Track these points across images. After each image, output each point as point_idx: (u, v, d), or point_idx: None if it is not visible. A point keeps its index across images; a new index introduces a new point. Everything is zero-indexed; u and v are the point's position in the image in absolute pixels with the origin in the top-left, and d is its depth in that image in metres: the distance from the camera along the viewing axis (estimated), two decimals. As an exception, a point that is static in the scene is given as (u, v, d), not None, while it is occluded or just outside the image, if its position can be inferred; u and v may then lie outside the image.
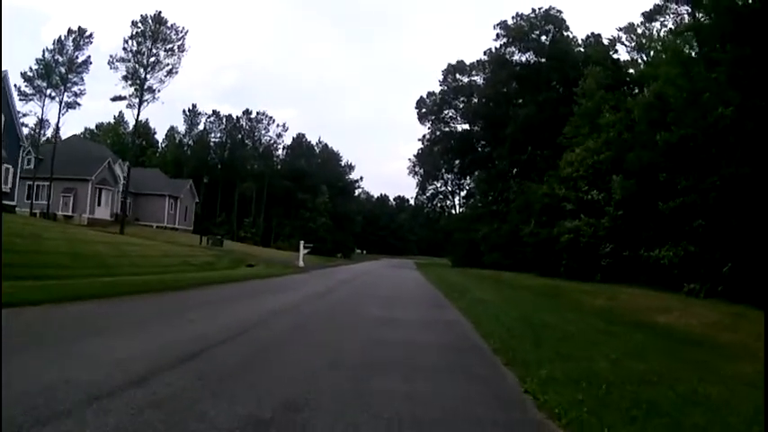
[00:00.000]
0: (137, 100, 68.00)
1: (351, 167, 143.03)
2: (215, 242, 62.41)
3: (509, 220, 66.88)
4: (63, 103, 67.77)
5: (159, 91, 68.67)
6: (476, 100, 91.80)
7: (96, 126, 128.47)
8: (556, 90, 73.18)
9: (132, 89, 67.72)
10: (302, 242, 49.02)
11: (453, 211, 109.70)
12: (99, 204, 68.87)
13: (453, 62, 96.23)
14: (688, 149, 34.32)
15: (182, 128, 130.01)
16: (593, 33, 76.33)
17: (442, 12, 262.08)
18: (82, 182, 66.40)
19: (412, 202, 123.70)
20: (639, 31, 58.09)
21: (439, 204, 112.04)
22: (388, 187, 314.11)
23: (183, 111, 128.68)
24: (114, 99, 69.21)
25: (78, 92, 69.41)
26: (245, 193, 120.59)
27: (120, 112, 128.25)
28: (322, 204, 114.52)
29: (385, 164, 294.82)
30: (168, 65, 69.48)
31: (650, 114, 39.49)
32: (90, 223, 61.97)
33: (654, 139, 37.14)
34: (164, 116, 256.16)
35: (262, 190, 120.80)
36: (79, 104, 69.66)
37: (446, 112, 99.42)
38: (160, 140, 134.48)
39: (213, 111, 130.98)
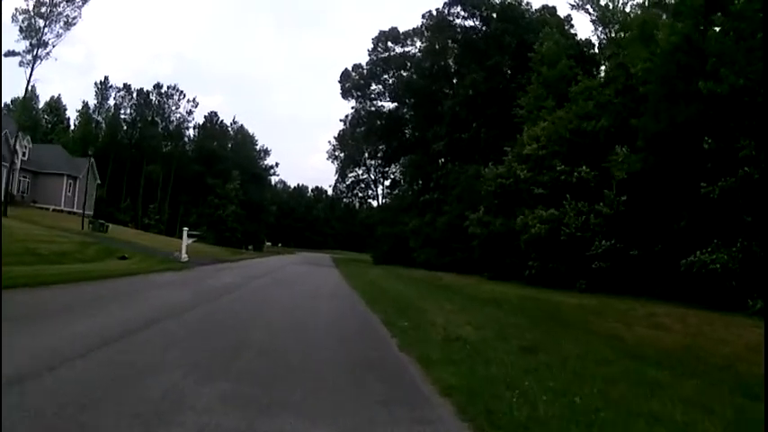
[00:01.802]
0: (30, 57, 56.73)
1: (266, 152, 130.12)
2: (96, 227, 51.20)
3: (447, 211, 55.63)
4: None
5: (54, 46, 57.91)
6: (409, 74, 79.32)
7: (11, 101, 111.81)
8: (509, 54, 61.15)
9: (27, 43, 56.63)
10: (185, 229, 36.68)
11: (375, 203, 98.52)
12: (-7, 183, 57.05)
13: (386, 29, 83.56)
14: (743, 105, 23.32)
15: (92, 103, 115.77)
16: (545, 6, 65.56)
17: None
18: (-32, 155, 55.02)
19: (330, 191, 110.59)
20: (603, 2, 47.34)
21: (360, 194, 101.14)
22: (308, 181, 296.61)
23: (95, 83, 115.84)
24: (7, 54, 56.20)
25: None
26: (152, 176, 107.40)
27: (33, 85, 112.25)
28: (233, 191, 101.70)
29: (305, 156, 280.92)
30: (67, 16, 58.08)
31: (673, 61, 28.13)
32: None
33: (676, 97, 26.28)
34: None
35: (169, 173, 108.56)
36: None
37: (373, 87, 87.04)
38: (72, 118, 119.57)
39: (124, 84, 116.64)
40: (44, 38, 56.41)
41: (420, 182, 70.33)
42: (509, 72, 60.25)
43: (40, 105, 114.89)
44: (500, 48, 62.11)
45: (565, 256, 34.64)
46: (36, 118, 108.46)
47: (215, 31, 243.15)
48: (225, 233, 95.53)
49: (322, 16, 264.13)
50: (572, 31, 57.20)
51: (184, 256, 33.70)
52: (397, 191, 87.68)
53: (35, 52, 56.01)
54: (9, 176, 61.66)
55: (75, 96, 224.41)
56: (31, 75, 55.80)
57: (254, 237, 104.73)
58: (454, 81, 71.88)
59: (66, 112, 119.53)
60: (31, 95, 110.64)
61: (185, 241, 34.90)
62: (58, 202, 69.91)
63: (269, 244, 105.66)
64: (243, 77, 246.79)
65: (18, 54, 55.72)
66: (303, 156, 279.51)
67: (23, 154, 66.68)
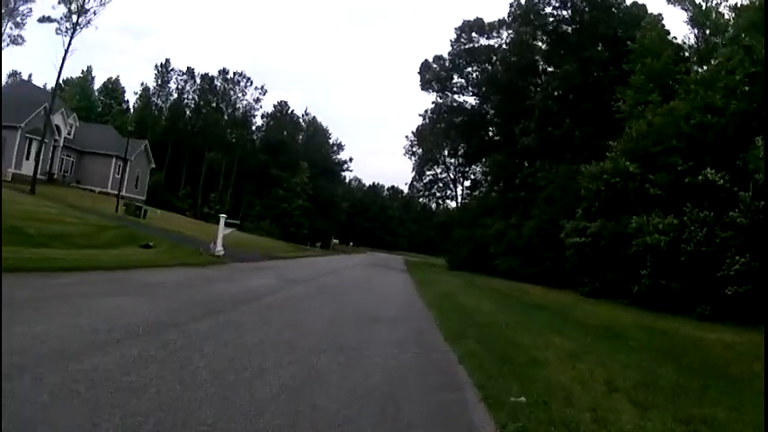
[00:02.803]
0: (68, 24, 51.44)
1: (340, 147, 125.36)
2: (132, 211, 46.68)
3: (535, 215, 49.39)
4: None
5: (96, 14, 52.56)
6: (494, 67, 73.19)
7: (64, 81, 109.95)
8: (605, 46, 55.17)
9: (66, 9, 51.45)
10: (222, 217, 30.58)
11: (454, 204, 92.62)
12: (27, 159, 54.77)
13: (470, 18, 77.47)
14: None
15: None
16: (635, 3, 58.44)
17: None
18: (10, 129, 52.08)
19: (406, 190, 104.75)
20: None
21: (437, 194, 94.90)
22: (385, 180, 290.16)
23: (155, 66, 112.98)
24: (42, 20, 53.13)
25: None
26: (213, 164, 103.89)
27: (89, 66, 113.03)
28: (301, 184, 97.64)
29: (381, 155, 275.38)
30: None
31: None
32: (14, 179, 50.63)
33: None
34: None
35: (232, 162, 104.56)
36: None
37: (455, 80, 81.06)
38: (132, 101, 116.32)
39: (187, 68, 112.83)
40: (85, 4, 51.51)
41: (503, 183, 64.24)
42: (605, 65, 53.77)
43: (96, 87, 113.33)
44: (594, 39, 56.02)
45: (684, 273, 28.48)
46: (90, 98, 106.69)
47: (286, 27, 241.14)
48: (290, 228, 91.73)
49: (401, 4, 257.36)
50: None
51: (219, 249, 28.32)
52: (478, 191, 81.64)
53: (75, 19, 51.07)
54: (47, 153, 58.72)
55: (136, 80, 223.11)
56: (69, 44, 50.96)
57: (322, 233, 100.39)
58: (543, 76, 65.84)
59: (125, 96, 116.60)
60: (85, 76, 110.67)
61: (221, 231, 29.36)
62: (104, 183, 66.76)
63: (336, 241, 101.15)
64: (316, 74, 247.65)
65: (54, 21, 51.50)
66: (379, 154, 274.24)
67: (68, 132, 63.79)
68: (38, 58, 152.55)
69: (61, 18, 51.14)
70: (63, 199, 43.74)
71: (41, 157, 55.97)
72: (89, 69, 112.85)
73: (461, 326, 15.12)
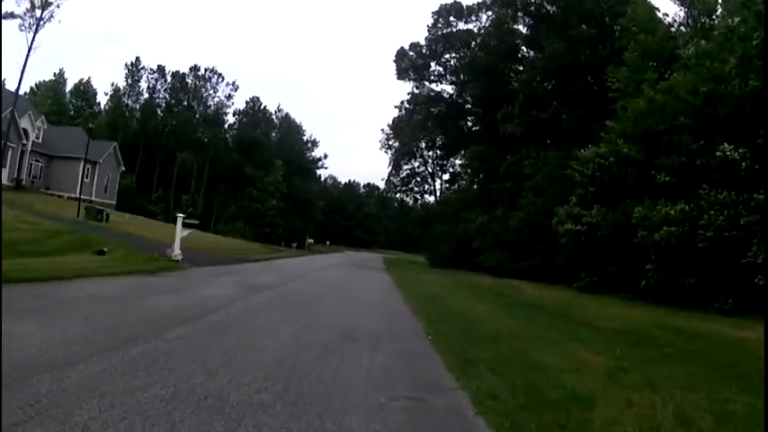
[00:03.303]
0: (32, 20, 49.47)
1: (314, 143, 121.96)
2: (93, 215, 42.94)
3: (522, 206, 45.84)
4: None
5: (59, 6, 51.22)
6: (473, 52, 69.21)
7: (36, 85, 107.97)
8: (592, 24, 51.85)
9: (29, 3, 49.46)
10: (180, 217, 26.56)
11: (433, 198, 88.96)
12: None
13: (448, 2, 73.45)
14: None
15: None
16: None
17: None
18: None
19: (383, 185, 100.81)
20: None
21: (415, 188, 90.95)
22: (360, 178, 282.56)
23: (125, 64, 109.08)
24: (5, 17, 49.58)
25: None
26: (186, 165, 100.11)
27: (61, 69, 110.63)
28: (274, 183, 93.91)
29: (356, 151, 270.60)
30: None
31: None
32: (-24, 188, 46.77)
33: None
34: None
35: (205, 163, 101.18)
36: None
37: (433, 68, 77.13)
38: (103, 103, 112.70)
39: (158, 66, 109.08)
40: (46, -3, 48.41)
41: (485, 174, 60.52)
42: (593, 44, 50.41)
43: (68, 89, 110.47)
44: (581, 17, 52.45)
45: (700, 264, 25.19)
46: (61, 102, 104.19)
47: (253, 22, 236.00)
48: (264, 229, 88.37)
49: None
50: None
51: (177, 253, 24.48)
52: (458, 184, 78.05)
53: (37, 13, 48.57)
54: (14, 159, 56.09)
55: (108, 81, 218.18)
56: (33, 40, 47.81)
57: (298, 233, 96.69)
58: (525, 60, 62.51)
59: (97, 98, 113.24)
60: (57, 79, 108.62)
61: (179, 233, 25.43)
62: (73, 188, 61.40)
63: (311, 241, 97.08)
64: (287, 72, 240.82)
65: (18, 17, 48.52)
66: (354, 151, 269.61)
67: (36, 135, 60.21)
68: (5, 61, 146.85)
69: (24, 13, 48.68)
70: (28, 206, 40.15)
71: (8, 162, 53.37)
72: (61, 72, 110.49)
73: (461, 342, 11.42)
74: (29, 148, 58.42)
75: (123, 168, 76.71)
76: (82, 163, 61.05)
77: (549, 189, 42.42)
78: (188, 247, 32.74)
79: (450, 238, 60.68)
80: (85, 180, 63.11)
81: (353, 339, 10.98)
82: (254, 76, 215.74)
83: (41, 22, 48.21)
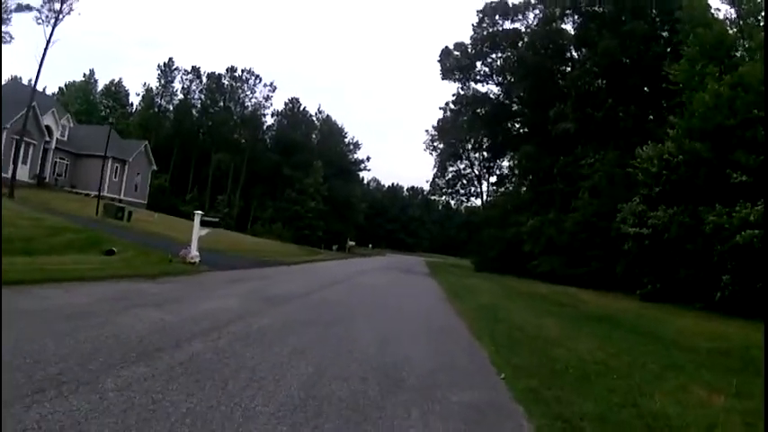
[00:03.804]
0: (49, 12, 46.84)
1: (356, 146, 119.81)
2: (113, 214, 40.89)
3: (578, 208, 43.29)
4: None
5: None
6: (521, 50, 66.49)
7: (66, 85, 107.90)
8: (645, 19, 49.17)
9: None
10: (197, 214, 24.18)
11: (479, 201, 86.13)
12: (14, 162, 49.15)
13: (493, 0, 70.67)
14: None
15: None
16: None
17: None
18: (-7, 131, 47.58)
19: (427, 188, 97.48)
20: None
21: (461, 191, 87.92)
22: (404, 181, 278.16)
23: (158, 65, 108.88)
24: (19, 9, 48.18)
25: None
26: (221, 165, 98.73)
27: (91, 70, 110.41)
28: (313, 185, 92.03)
29: (401, 155, 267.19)
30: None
31: None
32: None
33: None
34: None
35: (242, 164, 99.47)
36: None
37: (478, 68, 74.35)
38: (135, 104, 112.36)
39: (192, 67, 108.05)
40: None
41: (535, 176, 57.89)
42: (647, 39, 47.88)
43: (98, 90, 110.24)
44: (633, 12, 49.81)
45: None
46: (91, 102, 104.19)
47: (291, 24, 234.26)
48: (303, 231, 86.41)
49: None
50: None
51: (193, 255, 22.45)
52: (506, 187, 75.28)
53: (55, 6, 46.41)
54: (44, 156, 56.13)
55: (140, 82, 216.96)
56: (51, 34, 45.96)
57: (339, 236, 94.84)
58: (573, 59, 59.98)
59: (129, 98, 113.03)
60: (88, 80, 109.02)
61: (196, 232, 23.24)
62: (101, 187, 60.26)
63: (352, 244, 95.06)
64: (328, 74, 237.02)
65: (33, 9, 46.75)
66: (398, 154, 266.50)
67: (61, 133, 59.60)
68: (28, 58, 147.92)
69: (42, 5, 46.57)
70: (44, 203, 39.01)
71: (29, 159, 52.67)
72: (91, 72, 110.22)
73: (546, 382, 8.80)
74: (52, 146, 57.70)
75: (155, 168, 75.61)
76: (110, 161, 60.91)
77: (606, 190, 39.94)
78: (214, 249, 31.24)
79: (498, 241, 58.07)
80: (114, 179, 63.37)
81: (397, 385, 7.65)
82: (293, 78, 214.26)
83: (60, 15, 46.15)
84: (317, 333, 11.07)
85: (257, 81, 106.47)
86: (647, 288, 31.90)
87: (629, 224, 32.83)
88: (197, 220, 23.69)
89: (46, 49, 45.45)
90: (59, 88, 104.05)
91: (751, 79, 27.73)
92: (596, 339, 14.56)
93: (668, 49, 43.68)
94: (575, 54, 60.59)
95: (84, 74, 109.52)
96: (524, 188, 62.97)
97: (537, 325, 16.38)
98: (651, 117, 45.47)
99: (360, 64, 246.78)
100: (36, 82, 49.94)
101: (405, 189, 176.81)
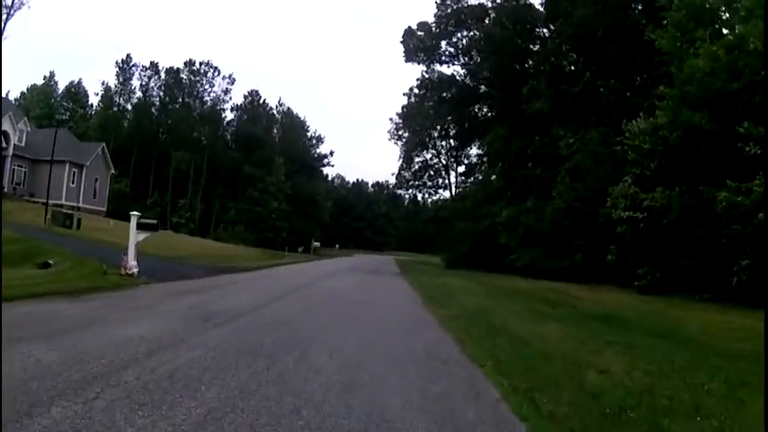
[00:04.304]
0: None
1: (319, 140, 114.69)
2: (60, 221, 38.71)
3: (559, 194, 39.17)
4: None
5: None
6: (485, 28, 62.17)
7: (27, 89, 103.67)
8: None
9: None
10: (134, 216, 19.69)
11: (448, 193, 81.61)
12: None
13: (457, -25, 66.18)
14: None
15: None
16: None
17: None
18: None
19: (393, 180, 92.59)
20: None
21: (428, 182, 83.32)
22: (368, 177, 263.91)
23: (116, 62, 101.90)
24: None
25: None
26: (182, 166, 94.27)
27: (51, 72, 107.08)
28: (276, 183, 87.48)
29: (363, 149, 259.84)
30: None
31: None
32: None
33: None
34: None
35: (203, 163, 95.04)
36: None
37: (443, 48, 69.63)
38: (95, 104, 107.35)
39: (151, 62, 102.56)
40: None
41: (509, 161, 53.35)
42: (623, 7, 44.00)
43: (60, 92, 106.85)
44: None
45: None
46: (52, 105, 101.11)
47: (247, 14, 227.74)
48: (266, 233, 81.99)
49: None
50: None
51: (131, 264, 18.13)
52: (474, 177, 71.10)
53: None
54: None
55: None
56: (2, 30, 42.38)
57: (304, 237, 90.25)
58: (544, 32, 55.87)
59: (89, 99, 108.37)
60: (48, 82, 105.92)
61: (133, 238, 18.76)
62: (58, 195, 57.16)
63: (317, 245, 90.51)
64: (287, 67, 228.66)
65: None
66: (361, 149, 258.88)
67: (19, 138, 55.67)
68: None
69: None
70: None
71: None
72: (51, 75, 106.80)
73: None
74: (10, 152, 53.82)
75: (114, 171, 71.86)
76: (67, 166, 58.98)
77: (592, 171, 35.84)
78: (166, 257, 29.14)
79: (470, 235, 53.56)
80: (71, 185, 60.45)
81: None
82: (251, 70, 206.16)
83: (11, 11, 43.11)
84: (254, 374, 7.25)
85: (216, 74, 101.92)
86: (644, 279, 28.47)
87: (620, 208, 28.96)
88: (133, 222, 19.27)
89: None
90: (21, 93, 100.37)
91: (755, 41, 23.99)
92: (620, 351, 10.71)
93: (649, 17, 39.82)
94: (545, 31, 56.46)
95: (45, 76, 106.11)
96: (494, 176, 58.51)
97: (541, 335, 12.22)
98: (634, 91, 41.54)
99: (317, 51, 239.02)
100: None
101: (370, 185, 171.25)
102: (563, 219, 37.70)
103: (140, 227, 19.47)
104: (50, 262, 19.67)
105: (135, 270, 18.40)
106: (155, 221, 20.79)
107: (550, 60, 47.64)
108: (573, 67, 46.25)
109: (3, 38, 42.49)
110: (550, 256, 38.55)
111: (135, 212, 20.25)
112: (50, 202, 51.67)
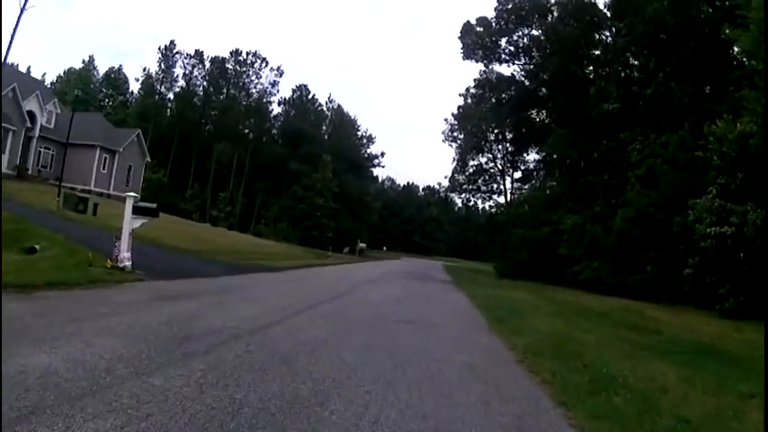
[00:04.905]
0: None
1: (370, 139, 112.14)
2: (72, 205, 35.38)
3: (629, 200, 35.94)
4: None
5: None
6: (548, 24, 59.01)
7: (64, 72, 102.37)
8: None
9: None
10: (130, 197, 16.85)
11: (502, 199, 77.94)
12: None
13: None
14: None
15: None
16: None
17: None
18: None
19: (446, 183, 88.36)
20: None
21: (483, 187, 79.61)
22: (419, 182, 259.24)
23: (158, 48, 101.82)
24: None
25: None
26: (223, 159, 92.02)
27: (91, 56, 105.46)
28: (322, 180, 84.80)
29: (417, 156, 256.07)
30: None
31: None
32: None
33: None
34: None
35: (246, 156, 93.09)
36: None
37: (503, 45, 65.81)
38: (135, 91, 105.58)
39: (195, 51, 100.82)
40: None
41: (571, 166, 49.77)
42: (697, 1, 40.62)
43: (99, 76, 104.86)
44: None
45: None
46: (89, 90, 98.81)
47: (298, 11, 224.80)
48: (311, 231, 79.37)
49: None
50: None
51: (123, 256, 15.74)
52: (531, 183, 67.66)
53: None
54: (15, 144, 48.90)
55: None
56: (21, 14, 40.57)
57: (351, 237, 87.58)
58: (611, 30, 52.40)
59: (128, 86, 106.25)
60: (87, 66, 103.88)
61: (127, 225, 15.99)
62: (87, 180, 55.53)
63: (363, 245, 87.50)
64: (340, 66, 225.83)
65: None
66: (414, 153, 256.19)
67: (46, 120, 53.10)
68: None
69: None
70: (10, 196, 32.34)
71: (7, 147, 46.78)
72: (91, 59, 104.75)
73: None
74: (36, 134, 51.90)
75: (149, 159, 69.49)
76: (98, 151, 57.29)
77: (668, 177, 32.53)
78: (188, 249, 27.55)
79: (527, 243, 49.90)
80: (102, 171, 58.57)
81: None
82: (300, 66, 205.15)
83: None
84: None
85: (263, 65, 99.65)
86: (727, 302, 24.89)
87: (705, 224, 25.78)
88: (128, 206, 16.58)
89: (20, 17, 40.70)
90: (58, 76, 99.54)
91: None
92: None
93: (726, 15, 36.40)
94: (606, 34, 53.40)
95: (84, 60, 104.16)
96: (554, 182, 54.66)
97: (656, 381, 9.26)
98: (707, 92, 38.23)
99: (373, 51, 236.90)
100: (7, 55, 44.53)
101: (420, 188, 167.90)
102: (633, 229, 34.35)
103: (137, 211, 16.92)
104: (37, 247, 17.61)
105: (128, 263, 15.89)
106: (153, 206, 18.02)
107: (620, 59, 44.22)
108: (645, 68, 42.60)
109: (25, 8, 40.63)
110: (618, 270, 35.21)
111: (131, 194, 17.56)
112: (78, 187, 51.02)
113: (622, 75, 43.06)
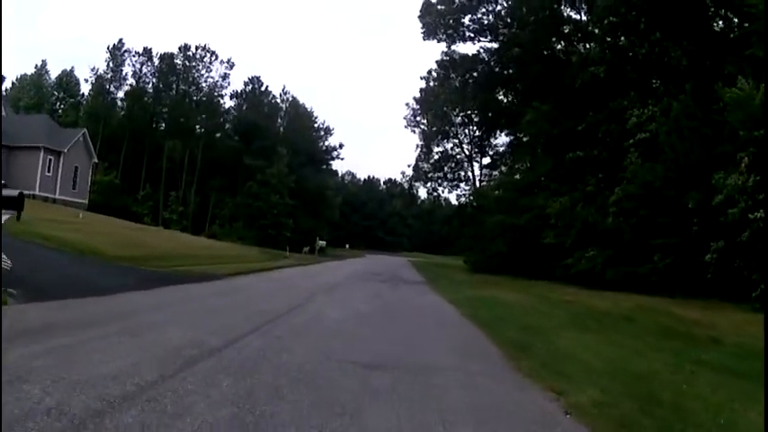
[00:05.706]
0: None
1: (328, 131, 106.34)
2: None
3: (631, 177, 30.54)
4: None
5: None
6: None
7: (17, 79, 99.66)
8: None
9: None
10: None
11: (468, 188, 73.23)
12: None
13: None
14: None
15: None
16: None
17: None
18: None
19: (410, 172, 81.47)
20: None
21: (449, 175, 74.98)
22: (380, 175, 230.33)
23: (107, 47, 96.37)
24: None
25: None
26: (175, 156, 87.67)
27: (43, 60, 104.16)
28: (277, 176, 79.31)
29: (376, 148, 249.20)
30: None
31: None
32: None
33: None
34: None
35: (197, 151, 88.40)
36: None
37: (466, 23, 59.47)
38: (86, 92, 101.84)
39: (144, 48, 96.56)
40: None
41: (551, 143, 43.79)
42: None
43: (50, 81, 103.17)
44: None
45: None
46: (42, 94, 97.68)
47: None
48: (268, 230, 74.36)
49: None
50: None
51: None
52: (504, 167, 62.37)
53: None
54: None
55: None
56: None
57: (310, 235, 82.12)
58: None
59: (80, 88, 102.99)
60: (39, 71, 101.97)
61: None
62: (31, 184, 53.04)
63: (323, 243, 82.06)
64: (291, 54, 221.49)
65: None
66: (373, 145, 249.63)
67: None
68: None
69: None
70: None
71: None
72: (43, 63, 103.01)
73: None
74: None
75: (96, 160, 66.44)
76: (42, 153, 55.11)
77: (678, 148, 27.32)
78: (118, 256, 23.64)
79: (506, 231, 44.42)
80: (47, 173, 56.28)
81: None
82: (251, 60, 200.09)
83: None
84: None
85: (213, 58, 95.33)
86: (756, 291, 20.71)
87: (739, 208, 20.99)
88: None
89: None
90: (12, 83, 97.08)
91: None
92: None
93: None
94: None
95: (36, 65, 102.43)
96: (533, 163, 48.72)
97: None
98: (709, 54, 33.42)
99: (326, 41, 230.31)
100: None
101: (382, 182, 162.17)
102: (637, 207, 29.00)
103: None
104: None
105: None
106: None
107: (604, 22, 38.99)
108: (635, 25, 37.41)
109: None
110: (619, 261, 29.84)
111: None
112: (24, 192, 45.42)
113: (608, 39, 37.74)
